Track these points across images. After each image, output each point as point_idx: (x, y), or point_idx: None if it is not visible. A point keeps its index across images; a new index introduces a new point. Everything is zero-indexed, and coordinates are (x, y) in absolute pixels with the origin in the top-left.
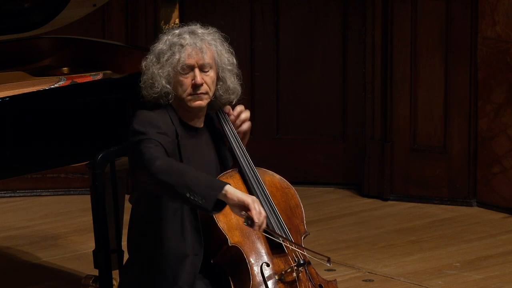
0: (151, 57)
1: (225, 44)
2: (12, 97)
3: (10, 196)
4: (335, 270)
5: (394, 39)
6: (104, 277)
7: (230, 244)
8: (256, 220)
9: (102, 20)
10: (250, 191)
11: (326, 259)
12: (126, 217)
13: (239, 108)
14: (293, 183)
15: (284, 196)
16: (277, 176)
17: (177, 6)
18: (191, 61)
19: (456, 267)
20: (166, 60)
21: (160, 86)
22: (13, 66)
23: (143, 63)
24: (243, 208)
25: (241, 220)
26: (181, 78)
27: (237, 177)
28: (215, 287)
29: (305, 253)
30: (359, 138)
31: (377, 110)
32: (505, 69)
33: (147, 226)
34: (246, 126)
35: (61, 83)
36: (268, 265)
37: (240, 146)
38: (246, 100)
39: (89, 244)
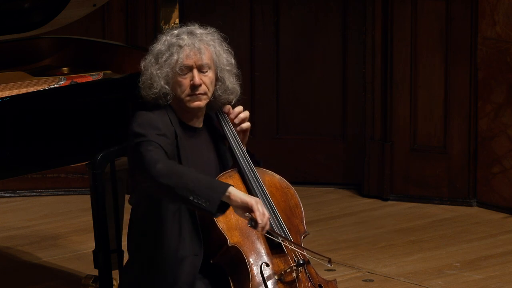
0: (149, 58)
1: (223, 44)
2: (12, 97)
3: (10, 196)
4: (335, 270)
5: (394, 39)
6: (104, 277)
7: (229, 244)
8: (259, 221)
9: (102, 20)
10: (250, 191)
11: (327, 260)
12: (126, 217)
13: (238, 108)
14: (293, 183)
15: (284, 196)
16: (277, 176)
17: (177, 6)
18: (189, 62)
19: (456, 267)
20: (165, 61)
21: (159, 86)
22: (13, 66)
23: (142, 64)
24: (246, 209)
25: (240, 220)
26: (179, 79)
27: (236, 177)
28: (214, 287)
29: (307, 255)
30: (359, 138)
31: (377, 110)
32: (505, 69)
33: (147, 227)
34: (245, 125)
35: (61, 83)
36: (267, 265)
37: (239, 146)
38: (246, 100)
39: (89, 244)
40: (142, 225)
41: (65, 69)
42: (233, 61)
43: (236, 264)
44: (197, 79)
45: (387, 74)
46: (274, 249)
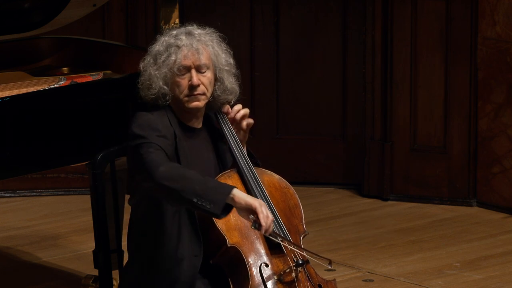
0: (148, 58)
1: (222, 45)
2: (12, 97)
3: (10, 196)
4: (335, 270)
5: (394, 39)
6: (104, 277)
7: (228, 245)
8: (263, 224)
9: (102, 20)
10: (249, 191)
11: (328, 261)
12: (126, 217)
13: (237, 106)
14: (293, 183)
15: (283, 196)
16: (276, 176)
17: (177, 6)
18: (187, 62)
19: (456, 267)
20: (163, 61)
21: (157, 87)
22: (13, 66)
23: (141, 64)
24: (250, 211)
25: (239, 220)
26: (178, 79)
27: (235, 177)
28: (214, 287)
29: (307, 255)
30: (359, 138)
31: (377, 110)
32: (505, 69)
33: (147, 227)
34: (250, 120)
35: (61, 83)
36: (267, 265)
37: (238, 146)
38: (246, 100)
39: (89, 244)
40: (142, 225)
41: (65, 69)
42: (231, 61)
43: (236, 265)
44: (195, 80)
45: (387, 74)
46: (274, 249)
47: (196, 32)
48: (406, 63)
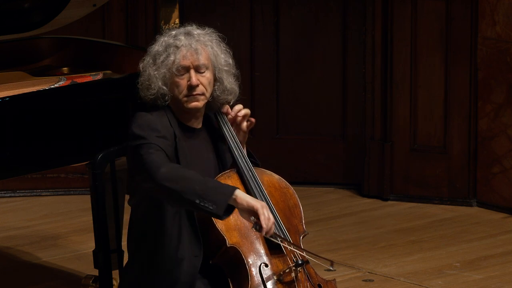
0: (147, 59)
1: (222, 45)
2: (12, 97)
3: (10, 196)
4: (335, 270)
5: (394, 39)
6: (104, 277)
7: (228, 245)
8: (264, 225)
9: (102, 20)
10: (248, 191)
11: (329, 262)
12: (126, 217)
13: (238, 106)
14: (293, 183)
15: (283, 196)
16: (276, 176)
17: (177, 6)
18: (186, 62)
19: (456, 267)
20: (162, 62)
21: (157, 87)
22: (13, 66)
23: (140, 65)
24: (252, 213)
25: (239, 221)
26: (176, 80)
27: (235, 178)
28: (214, 287)
29: (309, 256)
30: (359, 138)
31: (377, 110)
32: (505, 69)
33: (147, 227)
34: (246, 123)
35: (61, 83)
36: (266, 265)
37: (238, 146)
38: (246, 100)
39: (89, 244)
40: (142, 225)
41: (65, 69)
42: (231, 61)
43: (235, 265)
44: (194, 80)
45: (387, 74)
46: (273, 249)
47: (195, 33)
48: (406, 63)
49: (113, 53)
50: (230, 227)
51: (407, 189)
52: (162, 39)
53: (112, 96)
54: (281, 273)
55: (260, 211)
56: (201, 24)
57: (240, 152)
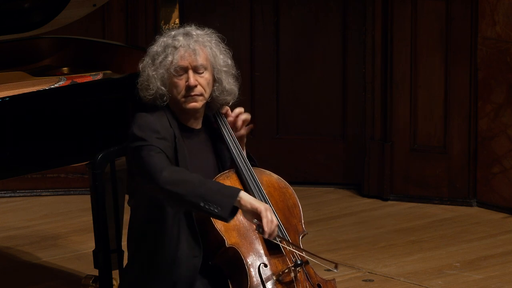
0: (147, 59)
1: (221, 45)
2: (12, 97)
3: (10, 196)
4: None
5: (394, 39)
6: (104, 277)
7: (227, 246)
8: (266, 228)
9: (102, 20)
10: (247, 191)
11: (334, 265)
12: (126, 217)
13: (239, 109)
14: (293, 183)
15: (282, 196)
16: (275, 176)
17: (177, 6)
18: (184, 63)
19: (456, 267)
20: (160, 62)
21: (155, 88)
22: (13, 66)
23: (140, 65)
24: (255, 215)
25: (238, 221)
26: (175, 80)
27: (234, 178)
28: (214, 287)
29: (312, 259)
30: (359, 138)
31: (377, 110)
32: (505, 69)
33: (147, 227)
34: (245, 129)
35: (61, 83)
36: (265, 265)
37: (237, 146)
38: (246, 100)
39: (89, 244)
40: (142, 225)
41: (65, 69)
42: (230, 62)
43: (234, 265)
44: (192, 80)
45: (387, 74)
46: (272, 249)
47: (194, 33)
48: (406, 63)
49: (113, 53)
50: (229, 228)
51: (407, 189)
52: (161, 39)
53: (112, 96)
54: (280, 273)
55: (263, 214)
56: (201, 24)
57: (239, 152)
